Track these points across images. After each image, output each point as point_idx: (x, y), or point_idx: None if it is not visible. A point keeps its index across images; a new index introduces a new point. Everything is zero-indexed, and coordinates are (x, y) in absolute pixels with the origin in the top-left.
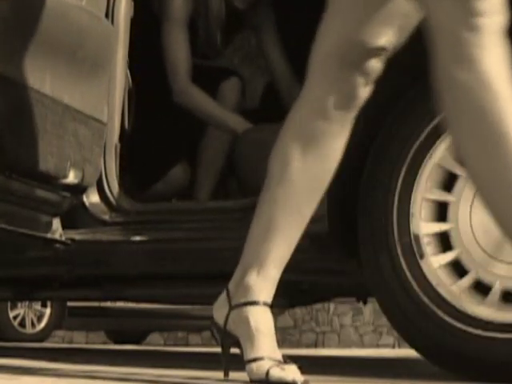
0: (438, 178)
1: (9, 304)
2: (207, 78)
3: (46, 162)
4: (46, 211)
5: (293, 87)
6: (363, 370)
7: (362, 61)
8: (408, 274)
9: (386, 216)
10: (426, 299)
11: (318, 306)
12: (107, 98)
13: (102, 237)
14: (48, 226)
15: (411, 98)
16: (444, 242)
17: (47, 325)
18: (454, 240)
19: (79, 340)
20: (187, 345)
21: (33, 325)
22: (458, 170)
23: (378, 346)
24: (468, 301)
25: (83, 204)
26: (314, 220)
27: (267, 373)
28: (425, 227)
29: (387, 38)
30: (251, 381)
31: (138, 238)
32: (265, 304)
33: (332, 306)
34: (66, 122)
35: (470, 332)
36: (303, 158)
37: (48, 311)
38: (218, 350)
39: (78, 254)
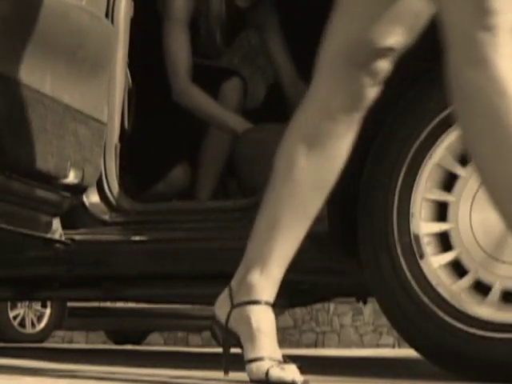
0: (437, 178)
1: (9, 304)
2: (209, 77)
3: (46, 162)
4: (46, 211)
5: (297, 86)
6: (363, 370)
7: (370, 61)
8: (408, 273)
9: (386, 216)
10: (425, 299)
11: (318, 306)
12: (107, 98)
13: (102, 237)
14: (48, 226)
15: (411, 98)
16: (444, 241)
17: (47, 325)
18: (453, 240)
19: (79, 340)
20: (187, 345)
21: (33, 325)
22: (458, 169)
23: (377, 345)
24: (468, 301)
25: (83, 204)
26: (314, 220)
27: (267, 373)
28: (425, 227)
29: (396, 38)
30: (251, 381)
31: (137, 238)
32: (267, 303)
33: (332, 305)
34: (66, 121)
35: (470, 332)
36: (309, 158)
37: (48, 311)
38: (218, 350)
39: (78, 254)
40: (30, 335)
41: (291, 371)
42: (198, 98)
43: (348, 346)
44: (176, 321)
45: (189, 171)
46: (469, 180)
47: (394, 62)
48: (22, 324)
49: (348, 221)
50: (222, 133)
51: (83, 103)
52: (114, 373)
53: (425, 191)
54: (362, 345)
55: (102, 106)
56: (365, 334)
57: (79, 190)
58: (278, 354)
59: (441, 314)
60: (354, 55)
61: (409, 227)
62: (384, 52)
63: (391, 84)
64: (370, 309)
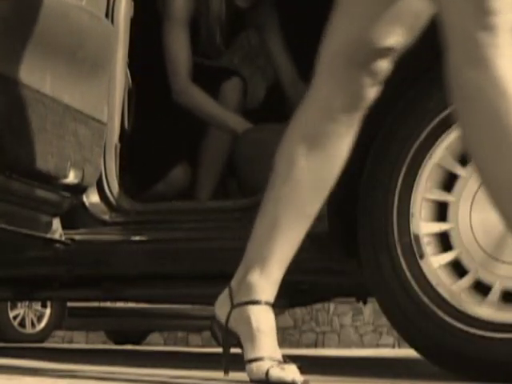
0: (437, 177)
1: (9, 304)
2: (209, 77)
3: (46, 162)
4: (46, 211)
5: (297, 86)
6: (363, 369)
7: (370, 61)
8: (408, 273)
9: (386, 216)
10: (425, 299)
11: (318, 306)
12: (107, 98)
13: (102, 237)
14: (48, 226)
15: (411, 98)
16: (444, 242)
17: (47, 325)
18: (453, 240)
19: (79, 340)
20: (187, 345)
21: (33, 325)
22: (458, 169)
23: (377, 345)
24: (468, 301)
25: (83, 204)
26: (314, 220)
27: (267, 373)
28: (425, 227)
29: (396, 38)
30: (251, 381)
31: (137, 238)
32: (267, 303)
33: (332, 305)
34: (66, 121)
35: (470, 332)
36: (309, 158)
37: (48, 311)
38: (218, 350)
39: (78, 254)
40: (30, 335)
41: (291, 371)
42: (197, 98)
43: (348, 346)
44: (176, 321)
45: (189, 171)
46: (469, 180)
47: (394, 62)
48: (22, 324)
49: (348, 221)
50: (222, 133)
51: (83, 103)
52: (113, 373)
53: (425, 191)
54: (362, 345)
55: (102, 105)
56: (365, 334)
57: (79, 190)
58: (278, 353)
59: (441, 313)
60: (354, 55)
61: (409, 227)
62: (384, 52)
63: (391, 84)
64: (370, 309)
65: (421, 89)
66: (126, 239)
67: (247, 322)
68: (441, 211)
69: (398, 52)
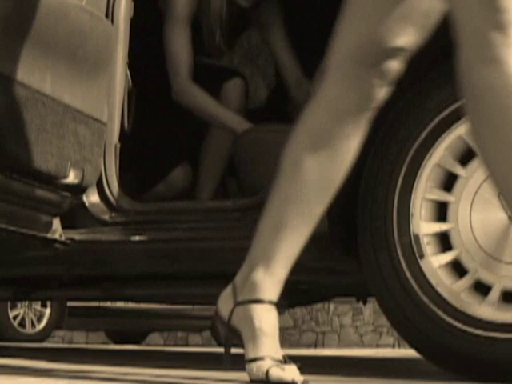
0: (437, 178)
1: (9, 304)
2: (211, 77)
3: (47, 162)
4: (46, 211)
5: (301, 84)
6: (363, 370)
7: (380, 61)
8: (408, 273)
9: (385, 216)
10: (425, 299)
11: (318, 306)
12: (107, 98)
13: (102, 237)
14: (48, 226)
15: (411, 98)
16: (444, 241)
17: (47, 325)
18: (453, 240)
19: (79, 340)
20: (187, 345)
21: (33, 325)
22: (458, 169)
23: (377, 346)
24: (468, 301)
25: (83, 204)
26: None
27: (267, 373)
28: (425, 227)
29: (406, 37)
30: (251, 381)
31: (137, 238)
32: (270, 303)
33: (332, 305)
34: (67, 121)
35: (470, 332)
36: (315, 158)
37: (48, 311)
38: (218, 350)
39: (78, 253)
40: (30, 335)
41: (291, 371)
42: (197, 98)
43: (348, 345)
44: (176, 321)
45: (189, 171)
46: (469, 180)
47: (405, 63)
48: (22, 324)
49: (348, 221)
50: (223, 133)
51: (83, 103)
52: (113, 373)
53: (425, 191)
54: (362, 345)
55: (102, 105)
56: (365, 334)
57: (79, 189)
58: (279, 353)
59: (441, 313)
60: (363, 55)
61: (409, 227)
62: (394, 52)
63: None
64: (370, 309)
65: (421, 89)
66: (126, 239)
67: (250, 320)
68: (441, 211)
69: (409, 52)
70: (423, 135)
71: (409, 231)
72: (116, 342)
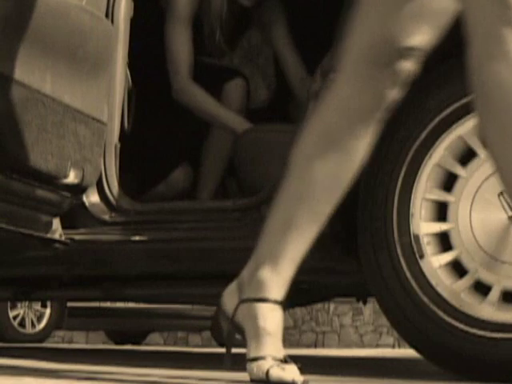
0: (437, 177)
1: (9, 304)
2: (212, 77)
3: (47, 162)
4: (46, 211)
5: (305, 82)
6: (363, 370)
7: (394, 61)
8: (408, 273)
9: (385, 216)
10: (425, 299)
11: (318, 306)
12: (107, 98)
13: (102, 237)
14: (48, 226)
15: (411, 98)
16: (444, 241)
17: (47, 325)
18: (454, 240)
19: (79, 340)
20: (187, 345)
21: (33, 325)
22: (458, 169)
23: (377, 346)
24: (468, 301)
25: (83, 204)
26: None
27: (267, 372)
28: (425, 227)
29: (419, 37)
30: (251, 380)
31: (137, 238)
32: (276, 302)
33: (332, 305)
34: (67, 121)
35: (470, 332)
36: (325, 157)
37: (48, 311)
38: (218, 350)
39: (78, 253)
40: (30, 335)
41: (291, 371)
42: (197, 97)
43: (348, 345)
44: (176, 321)
45: (190, 172)
46: (469, 180)
47: (420, 63)
48: (22, 324)
49: (348, 221)
50: (223, 133)
51: (83, 103)
52: (114, 373)
53: (425, 191)
54: (362, 345)
55: (102, 105)
56: (365, 334)
57: (79, 189)
58: (281, 353)
59: (441, 313)
60: (376, 55)
61: (409, 227)
62: (408, 52)
63: None
64: (370, 309)
65: (421, 89)
66: (126, 239)
67: (254, 319)
68: (441, 211)
69: (423, 52)
70: (423, 135)
71: (409, 231)
72: (116, 342)
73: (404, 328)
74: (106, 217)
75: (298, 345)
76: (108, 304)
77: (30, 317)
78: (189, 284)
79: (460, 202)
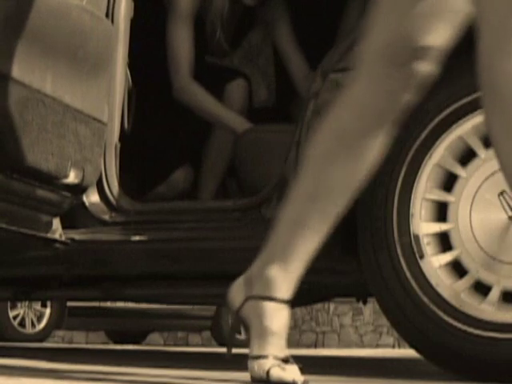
0: (437, 177)
1: (9, 304)
2: (214, 77)
3: (47, 162)
4: (46, 211)
5: (309, 79)
6: (363, 369)
7: (410, 61)
8: (408, 273)
9: (385, 216)
10: (425, 299)
11: (318, 306)
12: (107, 98)
13: (102, 237)
14: (48, 226)
15: None
16: (444, 241)
17: (47, 325)
18: (454, 240)
19: (79, 340)
20: (187, 345)
21: (33, 325)
22: (458, 169)
23: (377, 346)
24: (468, 301)
25: (83, 204)
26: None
27: (268, 372)
28: (425, 227)
29: (435, 36)
30: (252, 378)
31: (137, 238)
32: (283, 301)
33: (332, 305)
34: (67, 121)
35: (470, 332)
36: (338, 157)
37: (48, 311)
38: (218, 350)
39: (78, 253)
40: (30, 335)
41: (292, 372)
42: (198, 96)
43: (348, 345)
44: (176, 321)
45: (190, 173)
46: (469, 180)
47: (439, 65)
48: (22, 324)
49: (348, 220)
50: (225, 133)
51: (84, 103)
52: (114, 373)
53: (425, 191)
54: (362, 345)
55: (103, 105)
56: (365, 334)
57: (79, 189)
58: (284, 353)
59: (441, 313)
60: (393, 54)
61: (409, 227)
62: (423, 51)
63: None
64: (370, 309)
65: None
66: (126, 239)
67: (259, 317)
68: (441, 211)
69: (440, 53)
70: (423, 135)
71: (409, 231)
72: (116, 342)
73: (404, 328)
74: (106, 217)
75: (298, 345)
76: (108, 304)
77: (30, 317)
78: (189, 284)
79: (460, 202)
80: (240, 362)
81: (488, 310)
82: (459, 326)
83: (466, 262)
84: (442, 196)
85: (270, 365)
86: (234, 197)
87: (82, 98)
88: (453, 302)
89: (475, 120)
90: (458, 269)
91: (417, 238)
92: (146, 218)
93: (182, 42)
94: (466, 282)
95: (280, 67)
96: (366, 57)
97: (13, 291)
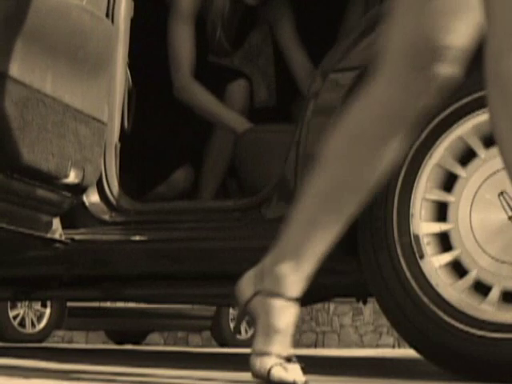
0: (437, 178)
1: (9, 304)
2: (216, 77)
3: (47, 162)
4: (46, 211)
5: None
6: (363, 369)
7: (431, 62)
8: (408, 273)
9: (385, 216)
10: (425, 299)
11: (318, 306)
12: (107, 98)
13: (102, 237)
14: (48, 226)
15: None
16: (444, 242)
17: (47, 325)
18: (453, 240)
19: (79, 340)
20: (187, 345)
21: (33, 325)
22: (458, 170)
23: (377, 346)
24: (468, 301)
25: (83, 204)
26: None
27: (269, 371)
28: (425, 227)
29: (454, 35)
30: (252, 374)
31: (137, 238)
32: (291, 299)
33: (332, 305)
34: (67, 121)
35: (470, 332)
36: (354, 158)
37: (48, 311)
38: (218, 350)
39: (78, 253)
40: (30, 335)
41: (294, 371)
42: (198, 95)
43: (348, 345)
44: (176, 321)
45: (191, 173)
46: (469, 180)
47: (463, 67)
48: (22, 324)
49: None
50: (226, 133)
51: (84, 103)
52: (114, 373)
53: (425, 191)
54: (362, 345)
55: (103, 105)
56: (365, 334)
57: (79, 189)
58: (287, 351)
59: (441, 313)
60: (414, 55)
61: (409, 227)
62: (443, 51)
63: None
64: (370, 309)
65: None
66: (126, 239)
67: (267, 313)
68: (441, 211)
69: (462, 54)
70: (423, 135)
71: (409, 231)
72: (116, 342)
73: (404, 328)
74: (106, 217)
75: (298, 345)
76: (108, 304)
77: (30, 317)
78: (189, 284)
79: (460, 202)
80: (240, 363)
81: (488, 310)
82: (459, 326)
83: (466, 262)
84: (442, 196)
85: (272, 363)
86: (234, 197)
87: (82, 97)
88: (453, 302)
89: (475, 120)
90: (458, 269)
91: (417, 238)
92: (146, 217)
93: (183, 42)
94: (465, 281)
95: (280, 67)
96: (388, 56)
97: (13, 291)
